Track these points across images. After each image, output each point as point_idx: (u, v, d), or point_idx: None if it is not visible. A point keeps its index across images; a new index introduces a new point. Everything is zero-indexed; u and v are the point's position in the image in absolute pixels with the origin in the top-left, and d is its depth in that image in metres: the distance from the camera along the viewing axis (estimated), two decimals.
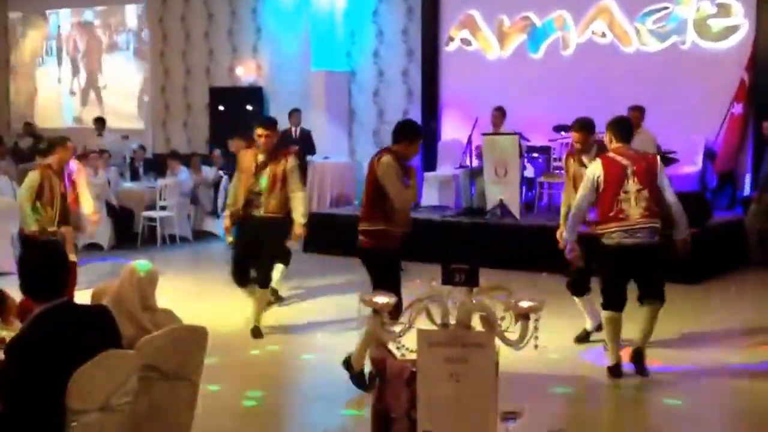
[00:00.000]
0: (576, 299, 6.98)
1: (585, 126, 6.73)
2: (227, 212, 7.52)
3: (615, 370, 6.24)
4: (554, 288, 7.42)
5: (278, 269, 8.08)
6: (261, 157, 7.22)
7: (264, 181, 7.17)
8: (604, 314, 6.26)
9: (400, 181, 5.87)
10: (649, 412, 5.90)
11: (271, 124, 7.41)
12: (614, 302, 6.17)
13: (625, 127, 6.41)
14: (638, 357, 6.30)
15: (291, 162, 7.27)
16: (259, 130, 7.19)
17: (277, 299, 8.66)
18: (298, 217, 7.28)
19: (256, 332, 7.34)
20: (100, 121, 15.31)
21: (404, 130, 6.08)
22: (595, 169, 6.16)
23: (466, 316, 2.95)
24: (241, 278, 7.37)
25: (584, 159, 6.73)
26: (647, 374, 6.24)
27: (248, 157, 7.28)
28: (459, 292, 3.00)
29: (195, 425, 4.17)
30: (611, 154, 6.22)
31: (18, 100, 18.65)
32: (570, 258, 6.44)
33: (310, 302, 9.08)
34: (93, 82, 17.56)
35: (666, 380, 6.39)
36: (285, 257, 8.26)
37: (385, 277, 5.69)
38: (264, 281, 7.35)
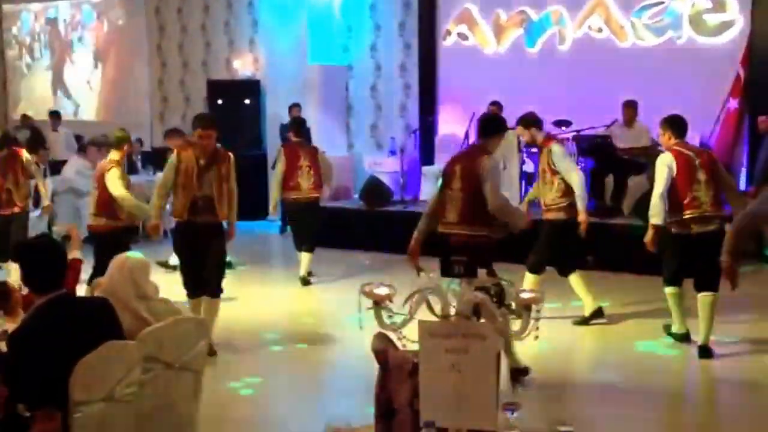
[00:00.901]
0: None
1: (524, 121, 7.35)
2: (156, 215, 6.96)
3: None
4: (555, 279, 7.49)
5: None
6: (202, 160, 6.67)
7: (213, 185, 6.68)
8: (669, 290, 6.82)
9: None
10: (650, 405, 5.97)
11: (213, 123, 6.82)
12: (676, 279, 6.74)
13: (682, 124, 6.82)
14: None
15: (232, 162, 6.88)
16: (201, 131, 6.62)
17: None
18: (234, 217, 6.98)
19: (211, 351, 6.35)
20: (55, 115, 15.26)
21: (496, 125, 6.26)
22: (667, 160, 6.60)
23: (466, 308, 3.00)
24: (196, 288, 6.75)
25: (560, 148, 7.30)
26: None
27: (189, 158, 6.66)
28: (458, 283, 3.05)
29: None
30: (677, 147, 6.69)
31: (13, 93, 18.64)
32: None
33: (310, 295, 9.14)
34: (91, 74, 17.56)
35: (665, 371, 6.47)
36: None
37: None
38: (219, 289, 6.82)
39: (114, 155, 7.89)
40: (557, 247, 7.36)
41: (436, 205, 6.15)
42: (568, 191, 7.20)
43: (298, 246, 9.54)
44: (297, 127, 9.90)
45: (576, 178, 7.17)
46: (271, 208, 9.77)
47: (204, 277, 6.74)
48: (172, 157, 6.82)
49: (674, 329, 7.03)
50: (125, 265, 4.30)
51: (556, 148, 7.26)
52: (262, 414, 5.75)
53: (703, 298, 6.61)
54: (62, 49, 17.95)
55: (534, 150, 11.56)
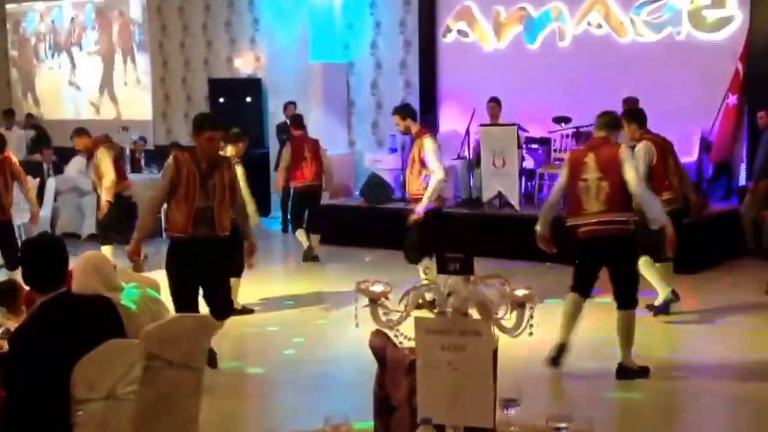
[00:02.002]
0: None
1: (401, 111, 8.06)
2: (139, 236, 6.16)
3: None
4: (556, 277, 7.52)
5: None
6: (204, 165, 6.01)
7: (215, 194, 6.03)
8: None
9: None
10: (650, 399, 6.00)
11: (219, 123, 6.40)
12: None
13: (643, 115, 7.50)
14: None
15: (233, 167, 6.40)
16: (211, 132, 6.02)
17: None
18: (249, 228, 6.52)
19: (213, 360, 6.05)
20: (9, 114, 15.13)
21: (618, 120, 6.48)
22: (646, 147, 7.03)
23: (463, 304, 3.03)
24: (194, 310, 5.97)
25: (432, 142, 7.78)
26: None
27: (188, 164, 5.98)
28: (455, 280, 3.08)
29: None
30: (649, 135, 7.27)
31: (18, 92, 18.69)
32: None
33: (309, 291, 9.18)
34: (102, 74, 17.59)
35: (663, 369, 6.50)
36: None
37: (634, 265, 6.26)
38: (225, 309, 6.24)
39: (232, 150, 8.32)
40: (429, 235, 7.77)
41: (558, 197, 6.42)
42: None
43: (297, 227, 10.70)
44: (299, 121, 11.01)
45: (437, 177, 7.65)
46: (279, 185, 10.99)
47: (208, 299, 6.12)
48: (169, 165, 6.05)
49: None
50: (88, 263, 4.32)
51: (428, 141, 7.73)
52: (259, 410, 5.78)
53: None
54: (67, 49, 17.98)
55: (534, 146, 11.64)
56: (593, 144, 6.26)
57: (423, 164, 7.73)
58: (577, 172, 6.09)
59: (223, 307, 6.14)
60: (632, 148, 6.97)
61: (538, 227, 6.44)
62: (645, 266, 7.29)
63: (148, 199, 6.26)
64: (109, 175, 9.33)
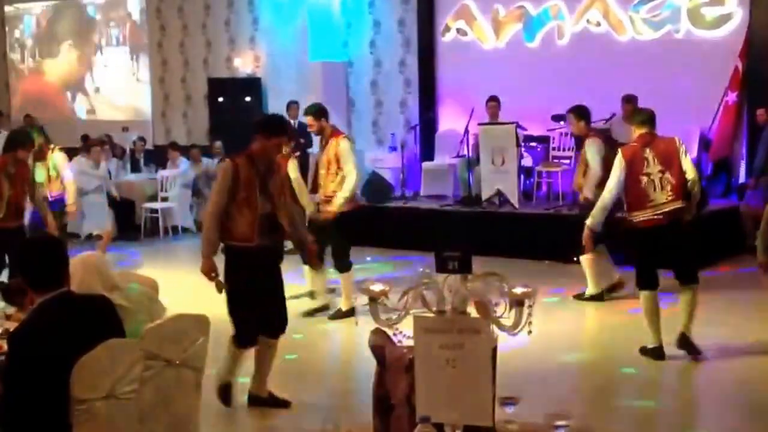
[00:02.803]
0: None
1: (317, 112, 7.86)
2: (209, 251, 5.53)
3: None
4: (554, 275, 7.54)
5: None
6: (262, 168, 5.62)
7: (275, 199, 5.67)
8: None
9: None
10: (650, 396, 6.01)
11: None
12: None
13: (589, 112, 8.15)
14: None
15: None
16: (283, 139, 5.83)
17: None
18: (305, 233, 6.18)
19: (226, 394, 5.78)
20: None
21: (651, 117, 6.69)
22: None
23: (461, 303, 3.04)
24: (254, 336, 5.67)
25: (348, 144, 7.71)
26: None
27: (245, 168, 5.56)
28: (454, 279, 3.09)
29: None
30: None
31: (17, 93, 18.70)
32: None
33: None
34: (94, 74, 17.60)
35: (662, 365, 6.51)
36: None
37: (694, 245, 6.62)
38: (284, 325, 5.83)
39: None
40: (348, 236, 7.82)
41: (615, 195, 6.57)
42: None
43: None
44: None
45: (353, 178, 7.63)
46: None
47: (268, 314, 5.68)
48: (226, 170, 5.58)
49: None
50: (88, 263, 4.33)
51: (344, 143, 7.68)
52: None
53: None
54: (67, 49, 18.00)
55: (533, 144, 11.66)
56: (645, 140, 6.53)
57: (339, 165, 7.64)
58: (638, 167, 6.42)
59: (283, 323, 5.78)
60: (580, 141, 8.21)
61: (589, 224, 6.73)
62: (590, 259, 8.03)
63: (209, 213, 5.55)
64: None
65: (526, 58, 12.50)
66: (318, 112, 7.86)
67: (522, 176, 11.28)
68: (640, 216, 6.42)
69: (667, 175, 6.38)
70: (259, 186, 5.52)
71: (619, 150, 6.72)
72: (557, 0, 12.27)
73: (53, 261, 3.83)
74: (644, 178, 6.40)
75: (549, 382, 6.09)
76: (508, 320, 3.06)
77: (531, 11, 12.49)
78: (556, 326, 7.21)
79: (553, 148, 11.72)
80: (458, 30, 13.11)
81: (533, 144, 11.62)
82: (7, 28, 18.78)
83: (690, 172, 6.47)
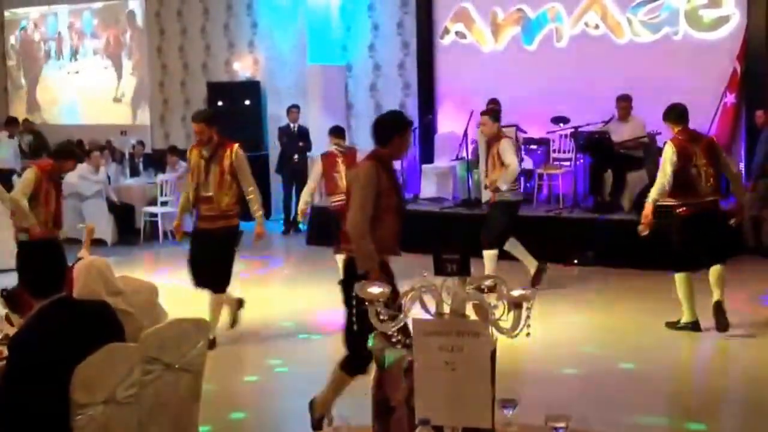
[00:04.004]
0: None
1: (211, 118, 7.23)
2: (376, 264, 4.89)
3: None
4: (553, 277, 7.55)
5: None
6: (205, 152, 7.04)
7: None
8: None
9: None
10: (648, 396, 6.02)
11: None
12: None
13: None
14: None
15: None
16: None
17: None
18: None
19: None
20: (12, 122, 14.72)
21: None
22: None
23: (460, 305, 3.04)
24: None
25: (204, 152, 7.09)
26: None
27: (381, 171, 5.07)
28: (452, 281, 3.09)
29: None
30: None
31: (16, 98, 18.72)
32: None
33: (308, 293, 9.19)
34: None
35: (663, 367, 6.52)
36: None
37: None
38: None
39: None
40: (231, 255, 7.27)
41: (669, 183, 7.05)
42: (240, 198, 7.19)
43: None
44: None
45: (256, 190, 7.24)
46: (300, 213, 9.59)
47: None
48: (370, 173, 5.04)
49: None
50: (92, 268, 4.34)
51: (241, 151, 7.20)
52: (258, 411, 5.80)
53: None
54: (64, 55, 18.01)
55: (533, 146, 11.66)
56: (692, 136, 7.22)
57: (234, 176, 7.10)
58: (689, 159, 7.02)
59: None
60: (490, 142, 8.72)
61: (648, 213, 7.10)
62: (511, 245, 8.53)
63: (359, 223, 4.92)
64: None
65: (525, 60, 12.51)
66: (212, 118, 7.27)
67: (522, 179, 11.27)
68: (684, 204, 7.04)
69: (711, 169, 7.04)
70: (395, 190, 5.17)
71: (669, 142, 7.19)
72: (555, 3, 12.29)
73: (52, 266, 3.84)
74: (693, 170, 7.01)
75: (548, 384, 6.10)
76: (506, 323, 3.07)
77: (529, 14, 12.50)
78: (552, 327, 7.22)
79: (554, 151, 11.73)
80: (457, 33, 13.13)
81: (533, 146, 11.63)
82: (7, 31, 18.78)
83: (733, 167, 7.49)
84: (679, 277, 7.20)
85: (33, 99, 18.45)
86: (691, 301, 7.21)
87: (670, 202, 7.14)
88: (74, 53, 17.84)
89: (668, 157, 7.02)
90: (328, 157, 9.17)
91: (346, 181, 5.08)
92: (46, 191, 7.31)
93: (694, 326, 7.24)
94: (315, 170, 9.29)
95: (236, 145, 7.17)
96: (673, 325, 7.34)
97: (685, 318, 7.28)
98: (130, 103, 16.95)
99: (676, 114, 7.26)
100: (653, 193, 7.14)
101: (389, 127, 5.13)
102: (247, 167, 7.16)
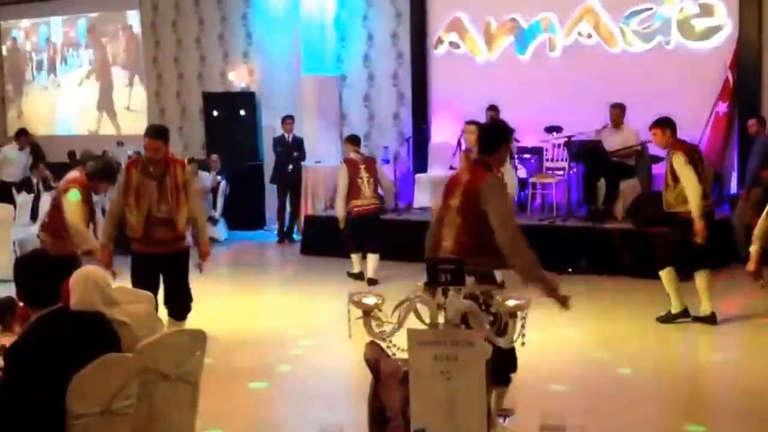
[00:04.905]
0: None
1: (162, 134, 6.85)
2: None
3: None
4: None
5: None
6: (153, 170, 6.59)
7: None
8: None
9: None
10: (643, 405, 6.03)
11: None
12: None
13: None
14: None
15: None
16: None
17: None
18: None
19: None
20: (22, 134, 14.31)
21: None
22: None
23: (455, 315, 3.07)
24: None
25: (152, 169, 6.72)
26: None
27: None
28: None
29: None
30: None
31: (12, 109, 18.70)
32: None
33: (304, 303, 9.19)
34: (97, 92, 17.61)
35: (659, 374, 6.54)
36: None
37: None
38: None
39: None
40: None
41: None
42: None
43: (358, 249, 10.00)
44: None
45: (203, 213, 7.16)
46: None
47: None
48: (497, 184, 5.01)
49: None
50: (88, 279, 4.34)
51: (190, 169, 7.08)
52: (254, 422, 5.80)
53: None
54: (58, 65, 18.01)
55: (526, 155, 11.70)
56: (686, 143, 7.70)
57: (186, 195, 6.86)
58: (696, 165, 7.44)
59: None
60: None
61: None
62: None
63: (515, 235, 4.79)
64: None
65: (519, 70, 12.56)
66: (167, 134, 6.91)
67: (516, 188, 11.31)
68: (687, 208, 7.36)
69: (706, 173, 7.60)
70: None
71: (681, 153, 7.45)
72: (548, 13, 12.33)
73: (47, 278, 3.86)
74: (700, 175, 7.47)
75: (543, 394, 6.11)
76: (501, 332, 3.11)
77: (522, 24, 12.55)
78: (549, 335, 7.23)
79: (547, 160, 11.77)
80: (451, 43, 13.17)
81: (527, 155, 11.66)
82: (2, 43, 18.78)
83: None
84: (666, 272, 7.63)
85: (24, 110, 18.44)
86: (679, 292, 7.66)
87: (681, 208, 7.45)
88: (64, 63, 17.85)
89: (688, 166, 7.37)
90: (350, 164, 9.71)
91: (461, 197, 4.84)
92: (83, 211, 7.13)
93: (685, 313, 7.67)
94: (342, 176, 9.76)
95: (185, 161, 7.10)
96: (665, 319, 7.69)
97: (675, 308, 7.68)
98: (126, 113, 16.97)
99: (670, 124, 7.59)
100: (697, 204, 7.34)
101: (498, 136, 5.15)
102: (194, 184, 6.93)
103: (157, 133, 6.77)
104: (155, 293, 6.17)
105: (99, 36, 17.35)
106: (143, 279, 6.47)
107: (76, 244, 7.02)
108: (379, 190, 10.14)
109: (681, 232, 7.49)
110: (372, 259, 9.82)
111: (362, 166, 9.74)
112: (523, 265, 4.68)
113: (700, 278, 7.62)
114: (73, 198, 7.05)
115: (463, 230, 4.73)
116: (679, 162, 7.40)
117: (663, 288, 7.73)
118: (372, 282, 9.60)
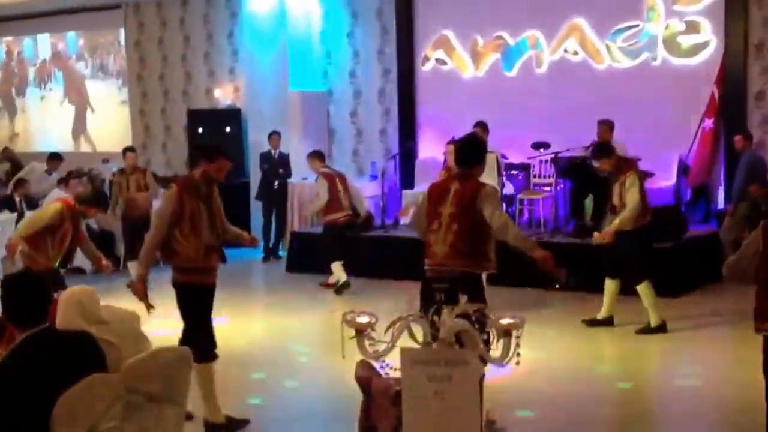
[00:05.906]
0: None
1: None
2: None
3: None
4: (536, 302, 7.52)
5: None
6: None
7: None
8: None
9: None
10: (635, 422, 6.01)
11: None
12: None
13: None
14: None
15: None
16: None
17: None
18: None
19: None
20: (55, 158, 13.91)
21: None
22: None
23: (449, 334, 3.03)
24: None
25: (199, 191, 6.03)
26: None
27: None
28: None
29: None
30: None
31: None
32: None
33: (292, 321, 9.14)
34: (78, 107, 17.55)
35: (645, 391, 6.51)
36: None
37: None
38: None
39: None
40: None
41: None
42: None
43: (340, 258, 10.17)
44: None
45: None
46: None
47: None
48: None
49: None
50: (72, 298, 4.29)
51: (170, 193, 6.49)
52: None
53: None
54: (44, 81, 17.95)
55: (514, 172, 11.69)
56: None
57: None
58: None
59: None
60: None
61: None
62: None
63: (518, 233, 5.49)
64: None
65: (505, 87, 12.58)
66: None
67: (504, 204, 11.29)
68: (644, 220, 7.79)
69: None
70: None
71: (634, 172, 7.87)
72: (534, 30, 12.37)
73: (34, 298, 3.81)
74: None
75: (537, 409, 6.07)
76: (495, 351, 3.06)
77: (509, 41, 12.58)
78: (539, 352, 7.20)
79: (534, 176, 11.77)
80: (437, 60, 13.19)
81: (514, 172, 11.66)
82: None
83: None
84: (644, 286, 7.84)
85: (12, 125, 18.37)
86: (657, 306, 7.92)
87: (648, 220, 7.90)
88: (49, 79, 17.81)
89: (637, 183, 7.78)
90: (328, 178, 10.19)
91: (456, 205, 5.05)
92: (65, 231, 7.06)
93: (663, 327, 7.92)
94: (323, 187, 10.14)
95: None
96: (644, 331, 7.92)
97: (654, 322, 7.91)
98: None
99: (609, 148, 8.32)
100: (630, 219, 7.71)
101: (481, 150, 5.59)
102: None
103: (225, 152, 6.02)
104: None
105: (84, 52, 17.31)
106: (206, 318, 6.02)
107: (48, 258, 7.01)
108: (353, 201, 10.60)
109: (636, 243, 7.85)
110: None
111: (337, 179, 10.28)
112: (516, 235, 5.26)
113: (643, 291, 7.85)
114: (52, 212, 7.07)
115: (459, 235, 5.07)
116: (633, 180, 7.82)
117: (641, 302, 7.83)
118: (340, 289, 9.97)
